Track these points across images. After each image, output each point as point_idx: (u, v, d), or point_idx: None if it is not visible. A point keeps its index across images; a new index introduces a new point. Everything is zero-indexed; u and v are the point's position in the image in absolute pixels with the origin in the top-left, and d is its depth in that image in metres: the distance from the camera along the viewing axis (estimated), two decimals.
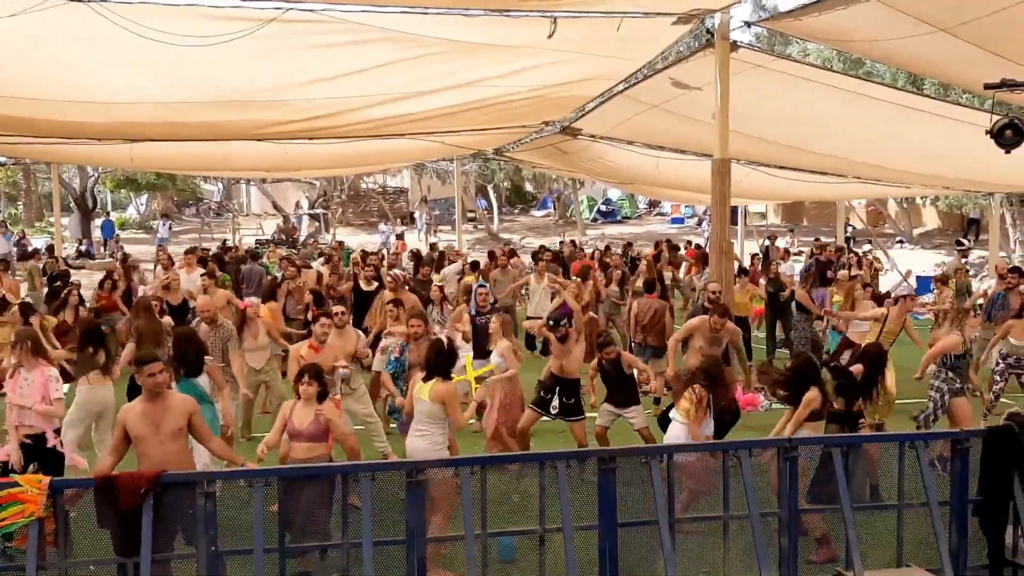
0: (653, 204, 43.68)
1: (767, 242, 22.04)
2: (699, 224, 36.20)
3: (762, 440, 5.77)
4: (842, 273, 12.66)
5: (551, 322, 8.03)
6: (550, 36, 8.79)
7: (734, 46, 9.73)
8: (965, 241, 24.11)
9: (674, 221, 40.07)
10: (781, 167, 14.91)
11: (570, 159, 17.92)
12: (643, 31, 9.25)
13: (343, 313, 8.31)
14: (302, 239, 32.45)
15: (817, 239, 21.10)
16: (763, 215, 37.07)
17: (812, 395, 6.13)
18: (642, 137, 14.60)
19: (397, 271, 14.70)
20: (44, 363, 6.41)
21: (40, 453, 6.23)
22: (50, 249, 17.72)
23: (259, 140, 13.09)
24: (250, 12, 8.14)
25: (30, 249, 24.06)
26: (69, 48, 8.96)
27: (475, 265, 15.36)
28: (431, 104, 11.51)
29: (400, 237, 25.97)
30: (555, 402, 7.73)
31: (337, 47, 9.23)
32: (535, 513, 5.07)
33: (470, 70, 10.23)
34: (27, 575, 4.43)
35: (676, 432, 6.71)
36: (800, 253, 25.56)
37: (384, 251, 24.06)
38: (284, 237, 32.32)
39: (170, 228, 33.91)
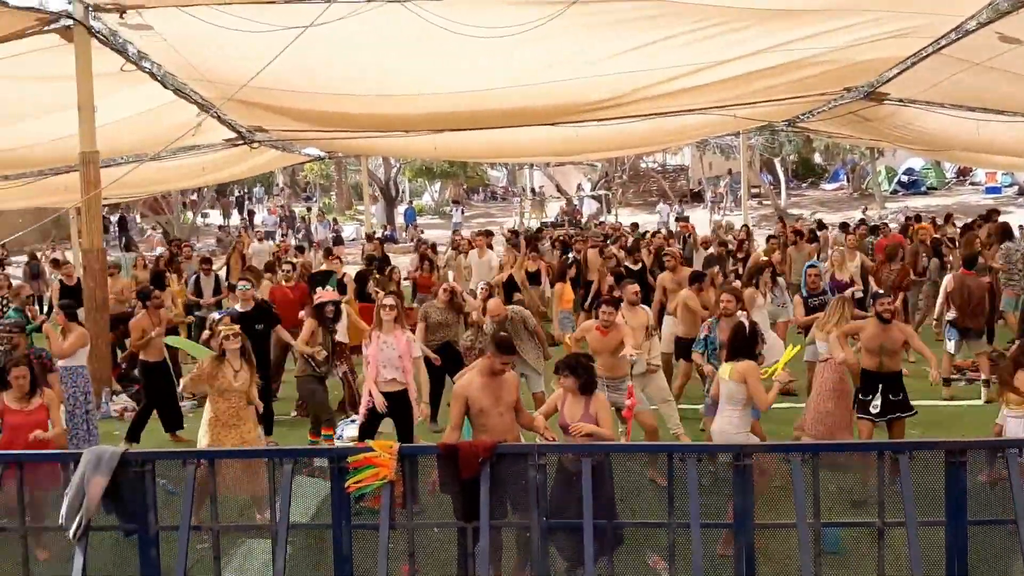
0: (963, 173, 39.48)
1: None
2: (1021, 193, 32.37)
3: None
4: None
5: None
6: None
7: None
8: None
9: (989, 191, 35.86)
10: None
11: (873, 127, 16.63)
12: None
13: (635, 292, 8.30)
14: (584, 220, 33.06)
15: None
16: None
17: None
18: (959, 99, 13.21)
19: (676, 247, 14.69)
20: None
21: None
22: (369, 236, 19.48)
23: (555, 124, 13.42)
24: None
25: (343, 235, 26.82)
26: (383, 47, 9.67)
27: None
28: (725, 74, 11.17)
29: (683, 219, 25.44)
30: (877, 401, 7.18)
31: (631, 23, 9.18)
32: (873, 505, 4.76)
33: (770, 36, 9.78)
34: (380, 533, 4.83)
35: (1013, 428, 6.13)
36: None
37: (663, 231, 23.81)
38: (567, 219, 33.11)
39: (463, 212, 35.96)
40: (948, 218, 18.87)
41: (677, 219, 26.99)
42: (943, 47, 10.86)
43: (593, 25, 9.18)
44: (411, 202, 41.60)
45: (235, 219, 39.96)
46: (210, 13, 8.25)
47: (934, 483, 4.71)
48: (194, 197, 38.19)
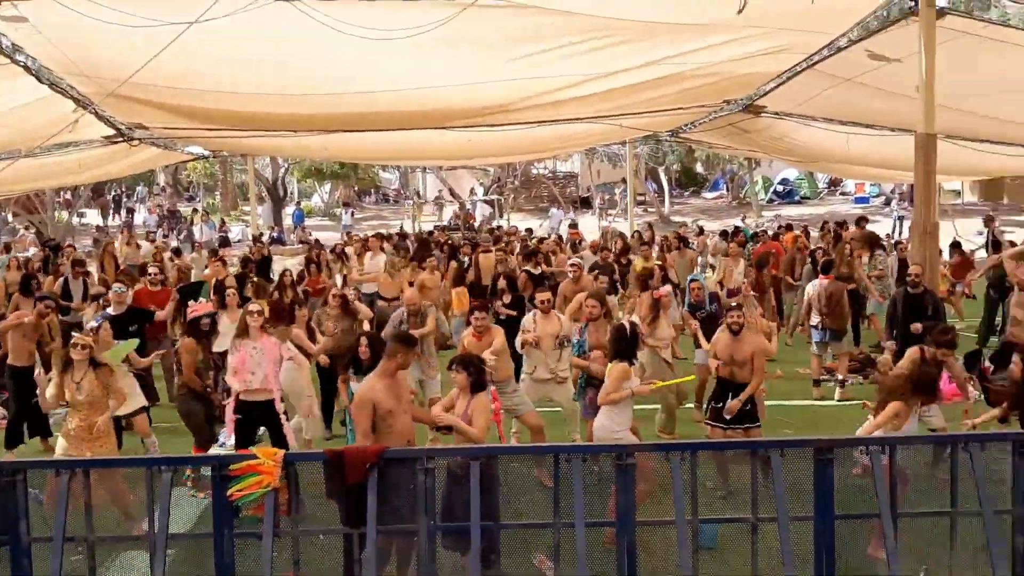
0: (834, 183, 41.61)
1: (985, 226, 19.45)
2: (886, 203, 34.27)
3: (992, 434, 5.41)
4: None
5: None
6: (740, 11, 8.52)
7: (941, 13, 9.10)
8: None
9: (858, 201, 37.96)
10: (984, 140, 13.85)
11: (751, 138, 17.35)
12: (836, 3, 8.83)
13: (546, 301, 8.44)
14: (478, 224, 33.18)
15: None
16: (958, 193, 34.59)
17: None
18: (830, 113, 13.94)
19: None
20: None
21: None
22: (255, 239, 19.00)
23: (445, 129, 13.44)
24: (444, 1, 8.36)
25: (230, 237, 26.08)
26: (273, 46, 9.49)
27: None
28: (612, 85, 11.45)
29: (574, 226, 25.89)
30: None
31: (521, 32, 9.32)
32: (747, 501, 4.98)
33: (653, 51, 10.10)
34: (264, 542, 4.76)
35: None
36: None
37: (554, 236, 24.16)
38: (461, 223, 33.17)
39: (353, 215, 35.51)
40: (824, 226, 19.77)
41: (569, 226, 27.42)
42: (816, 63, 11.45)
43: (484, 33, 9.27)
44: (299, 203, 40.80)
45: (114, 219, 38.34)
46: (90, 6, 7.89)
47: (806, 480, 4.96)
48: (68, 196, 36.41)
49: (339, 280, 14.16)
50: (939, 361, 7.05)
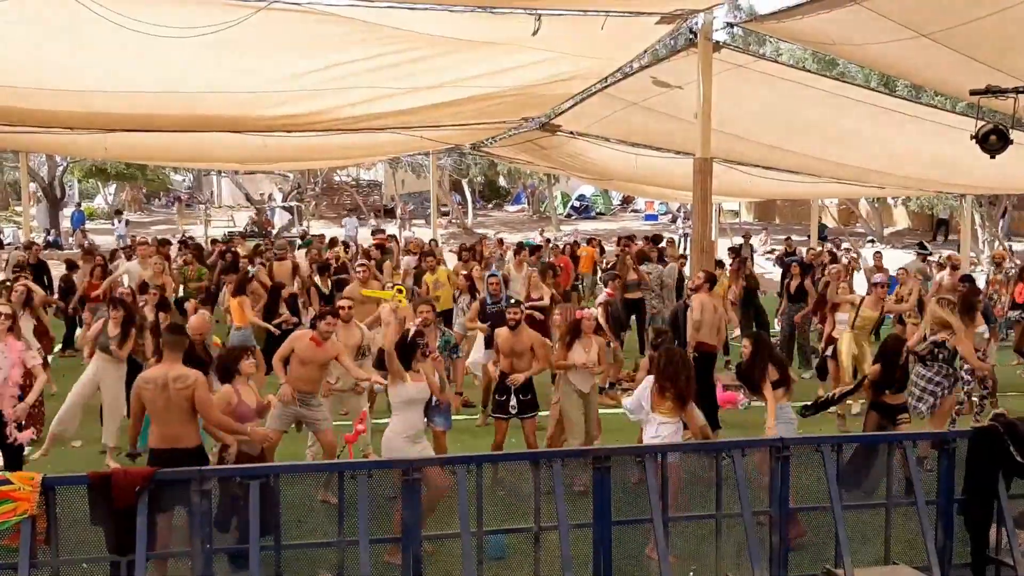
0: (627, 200, 43.88)
1: (741, 240, 22.19)
2: (673, 221, 36.39)
3: (754, 440, 5.84)
4: (833, 267, 12.45)
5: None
6: (534, 33, 8.79)
7: (717, 46, 9.79)
8: (928, 246, 24.33)
9: (648, 218, 40.34)
10: (757, 165, 15.04)
11: (548, 155, 17.95)
12: (627, 30, 9.29)
13: (349, 308, 8.28)
14: (275, 231, 32.18)
15: (788, 238, 21.25)
16: (736, 213, 37.38)
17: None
18: (621, 134, 14.67)
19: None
20: None
21: None
22: (28, 244, 17.34)
23: (237, 132, 12.96)
24: (237, 2, 8.08)
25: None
26: (48, 36, 8.81)
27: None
28: (413, 100, 11.48)
29: (380, 232, 25.56)
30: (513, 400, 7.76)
31: (320, 40, 9.17)
32: (529, 511, 5.10)
33: (454, 68, 10.21)
34: (20, 574, 4.37)
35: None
36: (773, 251, 25.80)
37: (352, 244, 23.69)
38: (257, 229, 32.05)
39: (127, 224, 32.95)
40: (619, 241, 20.68)
41: (373, 233, 27.08)
42: (608, 86, 12.01)
43: (283, 40, 9.03)
44: (79, 205, 37.93)
45: None
46: None
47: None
48: None
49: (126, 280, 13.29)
50: None
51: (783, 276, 14.58)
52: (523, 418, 7.73)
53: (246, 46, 8.95)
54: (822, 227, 26.66)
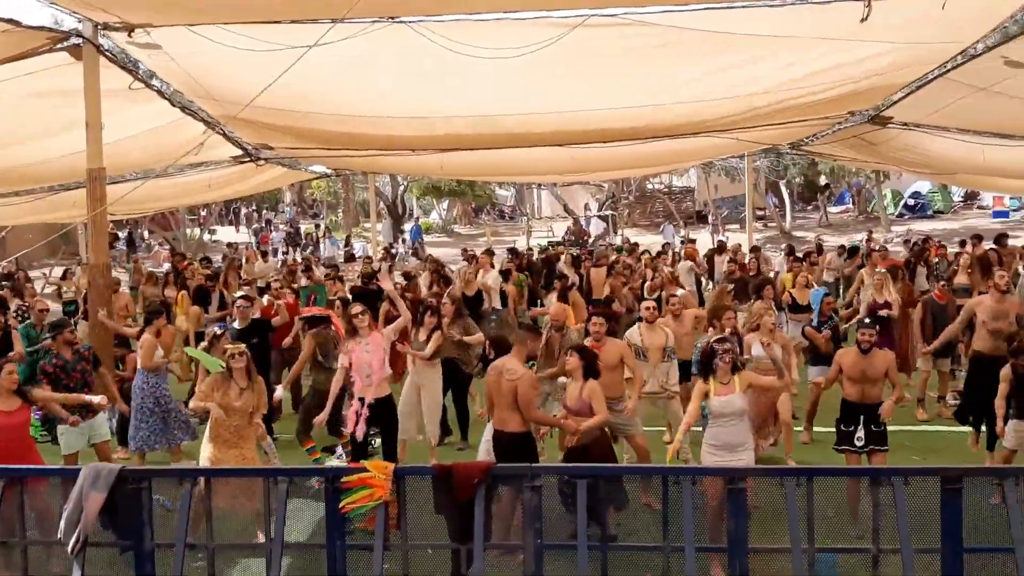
0: (971, 196, 39.46)
1: None
2: None
3: None
4: None
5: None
6: (863, 20, 8.22)
7: None
8: None
9: (996, 215, 35.86)
10: None
11: (878, 150, 16.64)
12: (970, 7, 8.38)
13: (654, 308, 8.33)
14: (591, 240, 33.10)
15: None
16: None
17: None
18: (964, 123, 13.24)
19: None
20: None
21: None
22: (386, 252, 19.55)
23: (560, 146, 13.47)
24: (556, 20, 8.40)
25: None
26: (388, 66, 9.74)
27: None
28: (732, 105, 11.26)
29: (690, 241, 25.38)
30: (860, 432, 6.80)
31: (637, 51, 9.26)
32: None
33: (777, 69, 9.87)
34: (374, 554, 4.84)
35: None
36: None
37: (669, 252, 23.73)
38: (574, 239, 33.16)
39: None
40: (963, 244, 18.80)
41: (683, 242, 26.94)
42: (949, 71, 10.90)
43: (600, 53, 9.23)
44: (417, 219, 41.78)
45: (243, 235, 40.16)
46: (217, 32, 8.31)
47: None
48: (204, 213, 38.42)
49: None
50: None
51: None
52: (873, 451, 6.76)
53: (566, 61, 9.27)
54: None
